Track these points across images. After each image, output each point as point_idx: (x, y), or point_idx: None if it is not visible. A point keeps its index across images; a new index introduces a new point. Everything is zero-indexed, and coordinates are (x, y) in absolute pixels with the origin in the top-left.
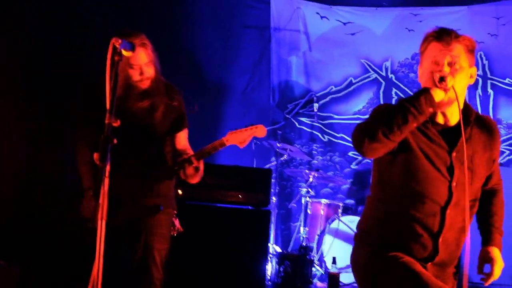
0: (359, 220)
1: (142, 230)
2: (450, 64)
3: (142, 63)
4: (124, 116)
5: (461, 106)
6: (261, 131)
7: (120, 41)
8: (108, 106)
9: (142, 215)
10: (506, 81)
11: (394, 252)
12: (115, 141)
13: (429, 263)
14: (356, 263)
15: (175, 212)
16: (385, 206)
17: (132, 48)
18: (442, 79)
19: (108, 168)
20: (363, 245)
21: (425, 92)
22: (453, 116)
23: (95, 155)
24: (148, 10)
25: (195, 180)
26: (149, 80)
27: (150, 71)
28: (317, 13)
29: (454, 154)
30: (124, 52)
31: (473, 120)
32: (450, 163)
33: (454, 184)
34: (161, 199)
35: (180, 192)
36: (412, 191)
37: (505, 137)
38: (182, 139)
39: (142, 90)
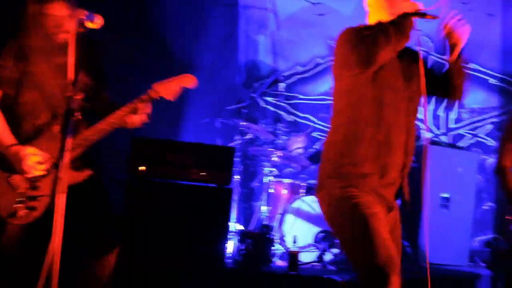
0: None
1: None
2: None
3: (59, 14)
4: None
5: None
6: (189, 79)
7: (86, 12)
8: (71, 78)
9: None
10: (472, 66)
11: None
12: (79, 116)
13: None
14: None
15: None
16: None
17: (97, 19)
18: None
19: (70, 141)
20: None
21: (407, 16)
22: None
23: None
24: None
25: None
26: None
27: (69, 25)
28: None
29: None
30: (89, 24)
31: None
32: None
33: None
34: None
35: (141, 168)
36: None
37: (467, 122)
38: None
39: (59, 45)
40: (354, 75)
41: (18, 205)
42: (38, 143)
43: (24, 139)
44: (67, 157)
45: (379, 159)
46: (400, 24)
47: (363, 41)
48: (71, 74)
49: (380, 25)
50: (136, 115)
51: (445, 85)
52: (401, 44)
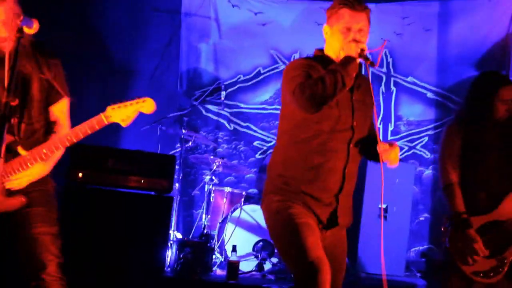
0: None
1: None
2: (359, 31)
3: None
4: None
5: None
6: (148, 105)
7: (21, 17)
8: (6, 84)
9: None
10: (409, 79)
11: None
12: (13, 120)
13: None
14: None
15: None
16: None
17: (33, 25)
18: (362, 51)
19: (3, 149)
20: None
21: (352, 61)
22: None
23: None
24: None
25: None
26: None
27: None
28: (229, 1)
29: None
30: (26, 29)
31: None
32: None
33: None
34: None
35: (80, 175)
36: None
37: (404, 134)
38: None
39: None
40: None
41: None
42: None
43: None
44: (1, 165)
45: (315, 182)
46: (344, 70)
47: (308, 84)
48: (6, 79)
49: (326, 73)
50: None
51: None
52: (345, 89)
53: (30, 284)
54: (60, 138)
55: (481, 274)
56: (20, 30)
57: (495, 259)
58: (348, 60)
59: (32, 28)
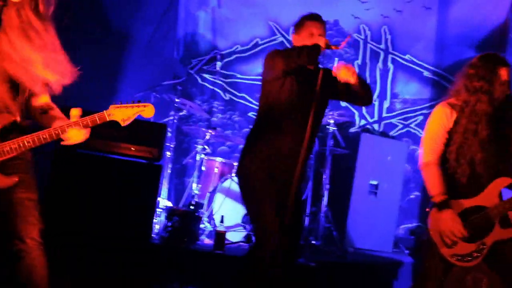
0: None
1: None
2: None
3: None
4: None
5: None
6: (149, 111)
7: None
8: None
9: None
10: (406, 57)
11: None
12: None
13: None
14: None
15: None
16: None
17: None
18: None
19: None
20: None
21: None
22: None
23: None
24: None
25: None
26: None
27: None
28: None
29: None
30: None
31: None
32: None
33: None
34: None
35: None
36: None
37: (399, 111)
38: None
39: None
40: (270, 81)
41: None
42: None
43: None
44: None
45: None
46: (310, 48)
47: (281, 54)
48: None
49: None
50: (80, 131)
51: (351, 94)
52: (307, 61)
53: (11, 248)
54: (61, 126)
55: (459, 257)
56: None
57: (475, 244)
58: (315, 45)
59: None
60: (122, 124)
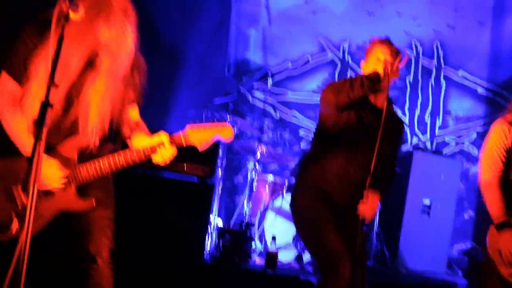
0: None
1: None
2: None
3: None
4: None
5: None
6: (226, 132)
7: (67, 2)
8: (50, 67)
9: None
10: (459, 73)
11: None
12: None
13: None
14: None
15: None
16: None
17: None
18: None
19: (45, 131)
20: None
21: (374, 72)
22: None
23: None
24: None
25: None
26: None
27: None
28: None
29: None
30: (72, 15)
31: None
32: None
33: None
34: None
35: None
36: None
37: (452, 129)
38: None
39: None
40: (327, 114)
41: (13, 218)
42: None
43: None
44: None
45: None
46: (366, 77)
47: (332, 89)
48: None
49: (350, 78)
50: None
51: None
52: (361, 92)
53: (80, 266)
54: (151, 146)
55: None
56: (66, 16)
57: None
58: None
59: (77, 13)
60: (200, 149)
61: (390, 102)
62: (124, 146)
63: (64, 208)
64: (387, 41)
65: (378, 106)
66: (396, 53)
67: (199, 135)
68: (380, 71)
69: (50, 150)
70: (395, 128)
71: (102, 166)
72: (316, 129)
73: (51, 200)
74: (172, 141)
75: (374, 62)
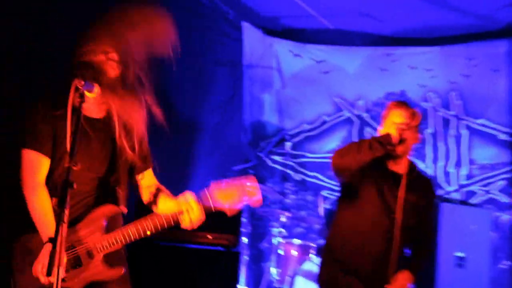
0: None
1: None
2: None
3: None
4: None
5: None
6: (256, 196)
7: (82, 82)
8: (68, 147)
9: None
10: (480, 121)
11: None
12: (75, 186)
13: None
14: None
15: None
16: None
17: (95, 89)
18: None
19: (67, 213)
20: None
21: (387, 133)
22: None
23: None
24: None
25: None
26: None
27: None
28: (290, 51)
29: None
30: (87, 94)
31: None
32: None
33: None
34: None
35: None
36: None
37: (478, 178)
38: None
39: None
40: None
41: None
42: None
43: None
44: (65, 231)
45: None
46: (377, 140)
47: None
48: (68, 143)
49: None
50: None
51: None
52: (371, 155)
53: None
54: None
55: None
56: (81, 95)
57: None
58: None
59: (93, 93)
60: (230, 213)
61: (412, 168)
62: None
63: (94, 278)
64: (403, 104)
65: (399, 173)
66: (413, 115)
67: (227, 195)
68: (393, 133)
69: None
70: (422, 194)
71: (130, 232)
72: (338, 199)
73: (80, 272)
74: (199, 203)
75: (390, 126)
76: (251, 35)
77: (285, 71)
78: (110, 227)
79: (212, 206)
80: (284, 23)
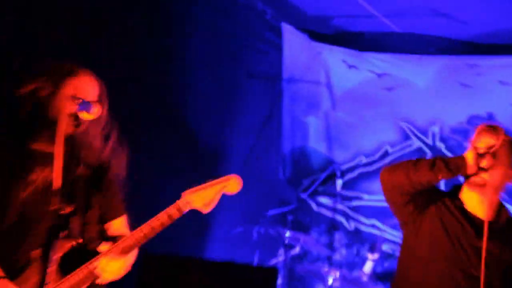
0: None
1: None
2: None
3: None
4: None
5: (494, 200)
6: (233, 185)
7: (79, 100)
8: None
9: None
10: None
11: None
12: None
13: None
14: None
15: None
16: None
17: (93, 109)
18: (482, 155)
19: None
20: None
21: (460, 155)
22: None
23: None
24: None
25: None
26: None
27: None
28: (344, 60)
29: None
30: (85, 115)
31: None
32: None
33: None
34: None
35: None
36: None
37: None
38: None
39: None
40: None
41: None
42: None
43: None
44: None
45: None
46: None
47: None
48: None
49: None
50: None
51: None
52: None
53: None
54: (132, 233)
55: None
56: (75, 117)
57: None
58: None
59: (91, 113)
60: (205, 211)
61: (502, 211)
62: None
63: None
64: (494, 128)
65: (480, 217)
66: (507, 143)
67: (201, 197)
68: (469, 156)
69: None
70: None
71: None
72: (400, 246)
73: None
74: (168, 218)
75: (469, 152)
76: (293, 41)
77: (337, 87)
78: None
79: (185, 209)
80: (337, 24)
